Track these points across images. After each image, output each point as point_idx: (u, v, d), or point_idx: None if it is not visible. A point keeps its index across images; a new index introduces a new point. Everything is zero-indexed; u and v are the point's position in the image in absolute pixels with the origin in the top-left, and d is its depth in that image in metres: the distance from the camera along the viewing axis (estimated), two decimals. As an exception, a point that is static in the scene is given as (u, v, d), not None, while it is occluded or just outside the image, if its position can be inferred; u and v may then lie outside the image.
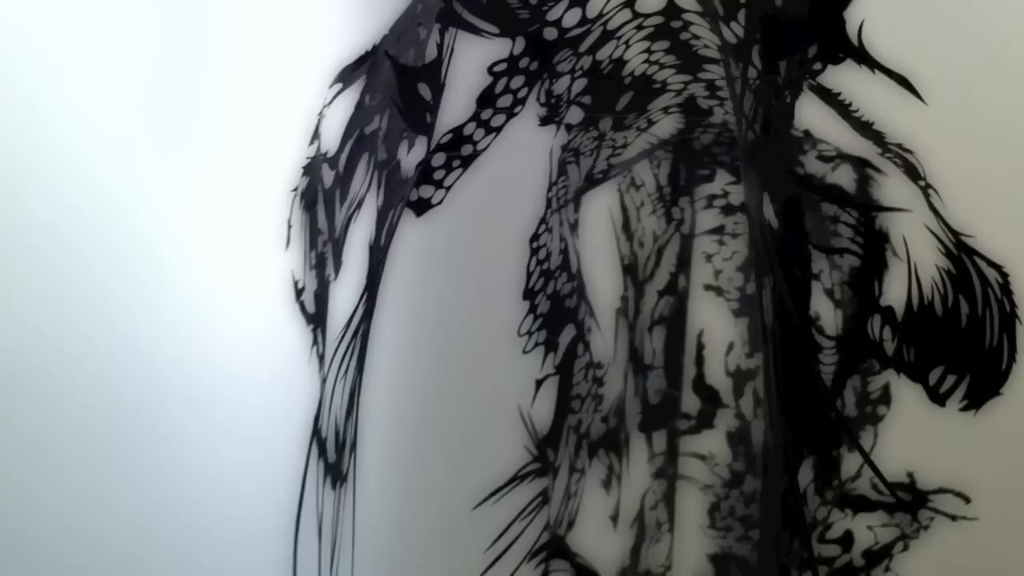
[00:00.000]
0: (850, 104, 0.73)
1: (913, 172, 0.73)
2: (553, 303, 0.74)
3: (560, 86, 0.73)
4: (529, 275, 0.74)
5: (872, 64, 0.72)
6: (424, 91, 0.73)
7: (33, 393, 0.80)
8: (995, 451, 0.76)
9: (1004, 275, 0.73)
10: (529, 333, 0.74)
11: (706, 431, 0.77)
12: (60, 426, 0.80)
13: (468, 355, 0.74)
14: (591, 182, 0.75)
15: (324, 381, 0.76)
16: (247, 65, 0.77)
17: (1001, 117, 0.72)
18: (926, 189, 0.72)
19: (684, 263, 0.76)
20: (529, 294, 0.74)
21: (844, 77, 0.72)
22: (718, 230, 0.76)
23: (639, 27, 0.73)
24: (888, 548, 0.79)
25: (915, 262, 0.73)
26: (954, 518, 0.77)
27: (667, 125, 0.75)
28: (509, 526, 0.74)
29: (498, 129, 0.73)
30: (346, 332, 0.75)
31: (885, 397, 0.78)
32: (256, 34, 0.77)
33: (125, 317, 0.79)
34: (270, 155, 0.76)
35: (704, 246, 0.76)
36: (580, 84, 0.73)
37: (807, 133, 0.74)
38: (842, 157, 0.74)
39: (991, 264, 0.73)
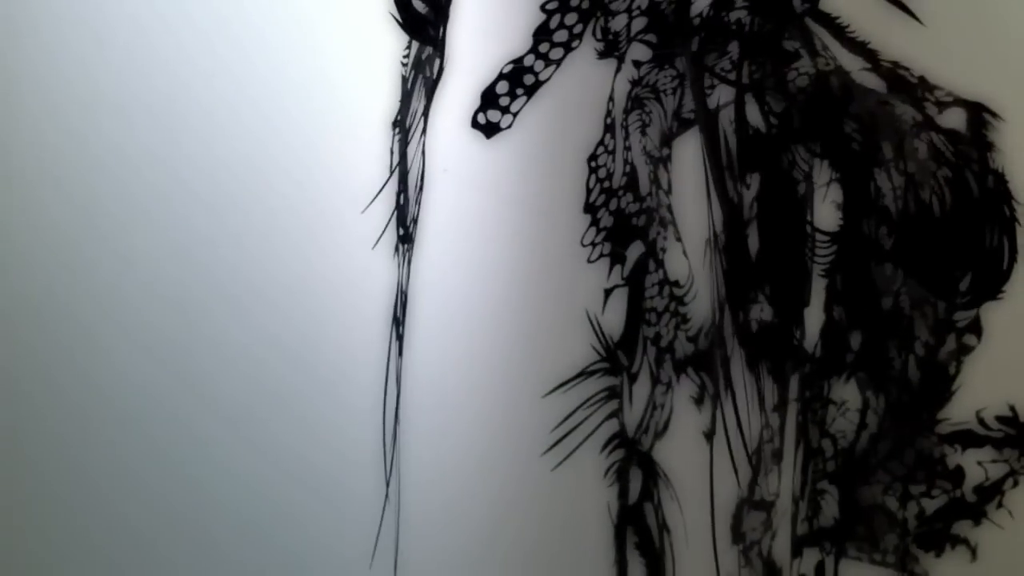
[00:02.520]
0: (847, 26, 0.80)
1: (908, 86, 0.80)
2: (617, 219, 0.79)
3: (618, 23, 0.80)
4: (589, 191, 0.80)
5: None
6: (419, 5, 0.78)
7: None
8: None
9: (1003, 180, 0.81)
10: (593, 244, 0.80)
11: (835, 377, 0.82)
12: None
13: (535, 260, 0.79)
14: (683, 122, 0.80)
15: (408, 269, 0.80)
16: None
17: (999, 36, 0.81)
18: (921, 103, 0.81)
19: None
20: (590, 208, 0.80)
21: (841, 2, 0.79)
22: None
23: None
24: (999, 484, 0.82)
25: (912, 170, 0.80)
26: None
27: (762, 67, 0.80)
28: (573, 412, 0.79)
29: (558, 62, 0.80)
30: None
31: (975, 327, 0.82)
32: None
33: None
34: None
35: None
36: (640, 22, 0.79)
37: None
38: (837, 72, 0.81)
39: (989, 171, 0.80)
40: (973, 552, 0.82)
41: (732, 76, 0.79)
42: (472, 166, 0.79)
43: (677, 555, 0.81)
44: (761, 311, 0.81)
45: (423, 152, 0.79)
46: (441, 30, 0.78)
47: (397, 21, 0.77)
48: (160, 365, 0.81)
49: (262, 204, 0.79)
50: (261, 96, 0.78)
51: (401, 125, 0.79)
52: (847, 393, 0.82)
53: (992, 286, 0.81)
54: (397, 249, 0.80)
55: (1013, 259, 0.81)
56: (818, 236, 0.80)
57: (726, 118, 0.81)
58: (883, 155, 0.81)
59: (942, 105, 0.81)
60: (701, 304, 0.81)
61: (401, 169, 0.79)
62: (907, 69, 0.80)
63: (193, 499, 0.80)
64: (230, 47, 0.79)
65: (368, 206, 0.78)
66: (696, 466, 0.80)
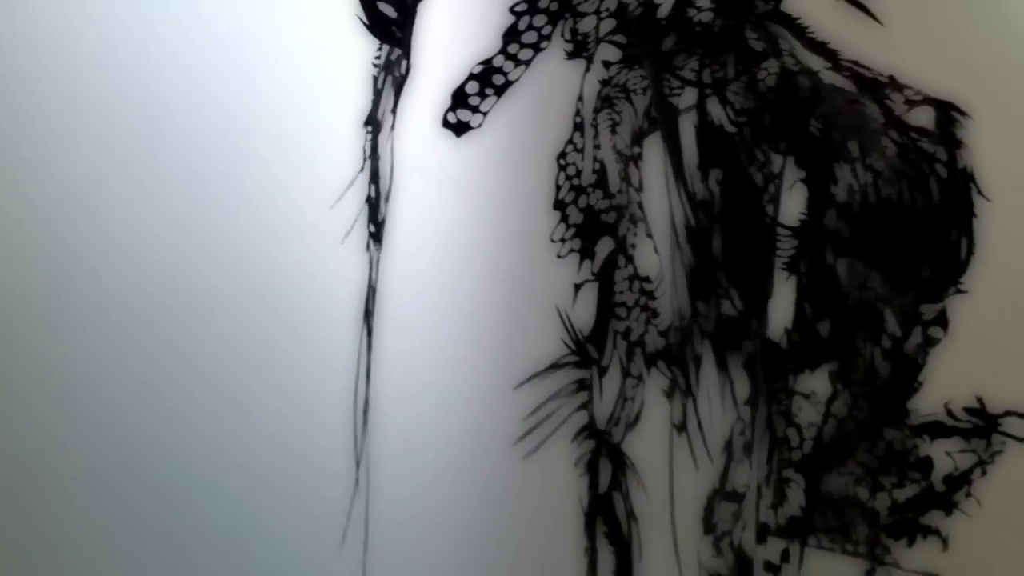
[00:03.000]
0: (807, 28, 0.82)
1: (876, 85, 0.82)
2: (586, 216, 0.81)
3: (586, 25, 0.82)
4: (558, 188, 0.81)
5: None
6: (384, 8, 0.80)
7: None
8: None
9: (968, 175, 0.83)
10: (562, 240, 0.82)
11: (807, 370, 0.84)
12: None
13: (505, 256, 0.81)
14: (653, 121, 0.82)
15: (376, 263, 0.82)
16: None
17: (959, 35, 0.83)
18: (884, 101, 0.83)
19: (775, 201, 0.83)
20: (559, 205, 0.81)
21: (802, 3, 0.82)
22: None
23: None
24: (967, 474, 0.84)
25: (871, 163, 0.82)
26: (1021, 440, 0.83)
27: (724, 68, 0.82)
28: (543, 403, 0.81)
29: (527, 62, 0.82)
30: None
31: (942, 319, 0.84)
32: None
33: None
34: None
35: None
36: (609, 24, 0.81)
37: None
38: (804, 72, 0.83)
39: (948, 164, 0.83)
40: (944, 542, 0.84)
41: (695, 77, 0.82)
42: (443, 164, 0.80)
43: (645, 544, 0.83)
44: (725, 305, 0.83)
45: (391, 150, 0.81)
46: (408, 31, 0.80)
47: (363, 23, 0.79)
48: (142, 347, 0.83)
49: (232, 203, 0.80)
50: (232, 95, 0.80)
51: (372, 123, 0.81)
52: (813, 384, 0.84)
53: (950, 279, 0.83)
54: (368, 246, 0.81)
55: (971, 252, 0.83)
56: (780, 231, 0.82)
57: (693, 118, 0.83)
58: (848, 152, 0.83)
59: (911, 103, 0.83)
60: (670, 299, 0.83)
61: (372, 167, 0.81)
62: (868, 68, 0.82)
63: (161, 481, 0.82)
64: (202, 46, 0.80)
65: (336, 202, 0.79)
66: (665, 458, 0.82)
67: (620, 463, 0.83)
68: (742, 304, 0.82)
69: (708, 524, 0.83)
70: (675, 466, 0.82)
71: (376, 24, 0.79)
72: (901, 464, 0.86)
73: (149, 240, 0.81)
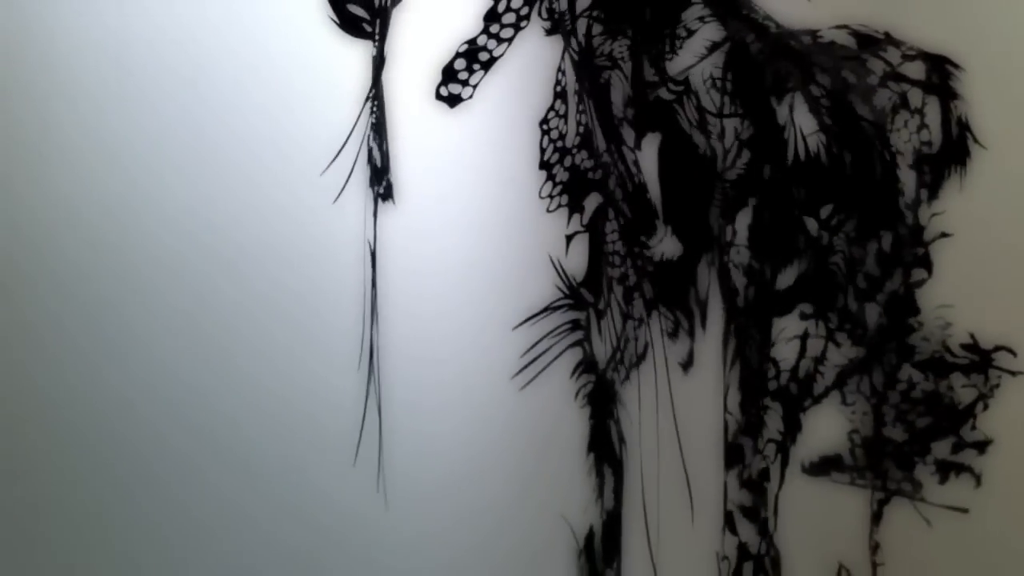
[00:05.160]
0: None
1: (872, 42, 0.90)
2: (573, 174, 0.88)
3: (562, 3, 0.88)
4: (543, 151, 0.88)
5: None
6: (353, 8, 0.86)
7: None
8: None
9: (883, 132, 0.89)
10: (550, 196, 0.89)
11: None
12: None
13: (500, 213, 0.88)
14: (649, 85, 0.88)
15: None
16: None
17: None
18: (810, 68, 0.89)
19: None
20: (544, 165, 0.88)
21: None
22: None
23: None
24: (971, 408, 0.90)
25: (799, 124, 0.89)
26: (1013, 374, 0.90)
27: (710, 32, 0.89)
28: (540, 340, 0.87)
29: (509, 40, 0.89)
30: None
31: (925, 261, 0.91)
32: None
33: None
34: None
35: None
36: (585, 1, 0.88)
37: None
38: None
39: (871, 122, 0.89)
40: (978, 479, 0.91)
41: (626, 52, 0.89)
42: (438, 132, 0.87)
43: (632, 464, 0.89)
44: (665, 248, 0.89)
45: (385, 120, 0.88)
46: (383, 26, 0.87)
47: (334, 22, 0.87)
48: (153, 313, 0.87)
49: (246, 170, 0.87)
50: (247, 81, 0.87)
51: (375, 99, 0.89)
52: (787, 323, 0.89)
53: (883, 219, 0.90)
54: (376, 206, 0.88)
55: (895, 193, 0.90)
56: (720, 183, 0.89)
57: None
58: (796, 105, 0.90)
59: (907, 58, 0.89)
60: (663, 248, 0.89)
61: (375, 136, 0.88)
62: (846, 27, 0.89)
63: (179, 404, 0.87)
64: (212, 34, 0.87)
65: (328, 167, 0.85)
66: (667, 392, 0.88)
67: (612, 397, 0.88)
68: (683, 248, 0.89)
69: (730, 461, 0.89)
70: (688, 401, 0.89)
71: (346, 22, 0.86)
72: (906, 399, 0.90)
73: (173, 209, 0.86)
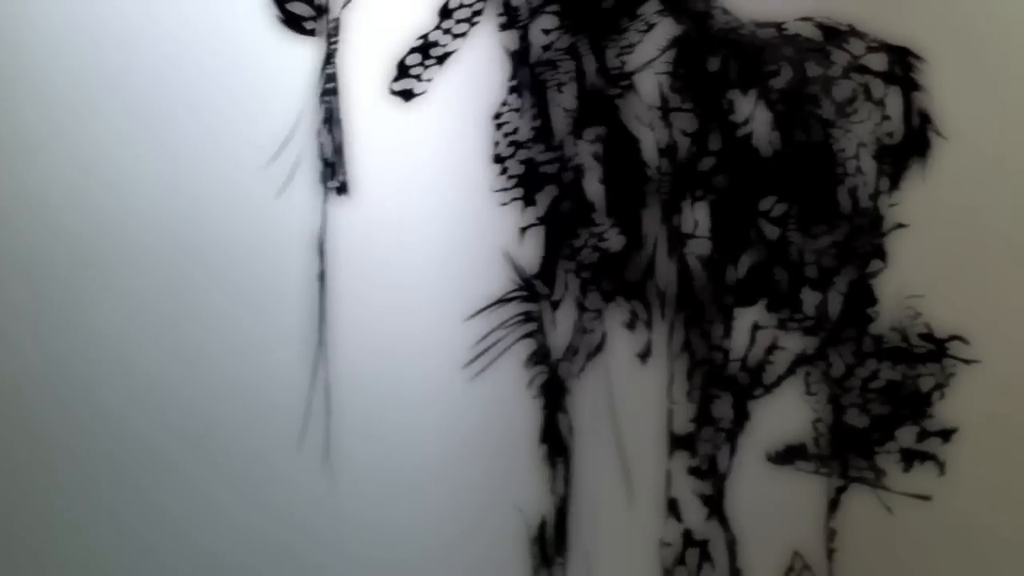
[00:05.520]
0: None
1: (836, 34, 0.91)
2: (528, 167, 0.89)
3: None
4: (496, 144, 0.89)
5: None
6: (294, 6, 0.86)
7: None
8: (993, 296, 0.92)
9: (827, 123, 0.90)
10: (504, 190, 0.90)
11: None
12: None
13: (454, 206, 0.88)
14: (609, 78, 0.89)
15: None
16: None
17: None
18: (761, 60, 0.89)
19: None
20: (497, 159, 0.89)
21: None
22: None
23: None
24: (928, 396, 0.91)
25: (750, 116, 0.89)
26: (967, 362, 0.91)
27: (667, 27, 0.90)
28: (490, 332, 0.88)
29: (463, 35, 0.90)
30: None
31: (879, 252, 0.92)
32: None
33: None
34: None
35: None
36: None
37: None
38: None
39: (814, 115, 0.90)
40: (941, 467, 0.92)
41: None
42: (392, 126, 0.88)
43: (582, 454, 0.90)
44: (611, 242, 0.90)
45: (338, 115, 0.89)
46: (327, 21, 0.88)
47: (278, 19, 0.87)
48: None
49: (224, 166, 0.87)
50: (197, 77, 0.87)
51: (326, 94, 0.89)
52: (737, 313, 0.90)
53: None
54: (324, 199, 0.89)
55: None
56: (661, 176, 0.89)
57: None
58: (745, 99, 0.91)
59: (871, 50, 0.90)
60: (619, 240, 0.90)
61: (329, 129, 0.89)
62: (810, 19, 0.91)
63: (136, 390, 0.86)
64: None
65: (273, 160, 0.85)
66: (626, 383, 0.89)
67: (564, 388, 0.89)
68: (626, 240, 0.89)
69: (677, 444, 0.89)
70: (637, 391, 0.89)
71: (288, 19, 0.87)
72: (865, 388, 0.91)
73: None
